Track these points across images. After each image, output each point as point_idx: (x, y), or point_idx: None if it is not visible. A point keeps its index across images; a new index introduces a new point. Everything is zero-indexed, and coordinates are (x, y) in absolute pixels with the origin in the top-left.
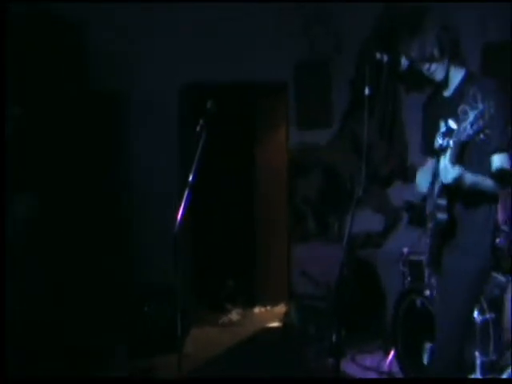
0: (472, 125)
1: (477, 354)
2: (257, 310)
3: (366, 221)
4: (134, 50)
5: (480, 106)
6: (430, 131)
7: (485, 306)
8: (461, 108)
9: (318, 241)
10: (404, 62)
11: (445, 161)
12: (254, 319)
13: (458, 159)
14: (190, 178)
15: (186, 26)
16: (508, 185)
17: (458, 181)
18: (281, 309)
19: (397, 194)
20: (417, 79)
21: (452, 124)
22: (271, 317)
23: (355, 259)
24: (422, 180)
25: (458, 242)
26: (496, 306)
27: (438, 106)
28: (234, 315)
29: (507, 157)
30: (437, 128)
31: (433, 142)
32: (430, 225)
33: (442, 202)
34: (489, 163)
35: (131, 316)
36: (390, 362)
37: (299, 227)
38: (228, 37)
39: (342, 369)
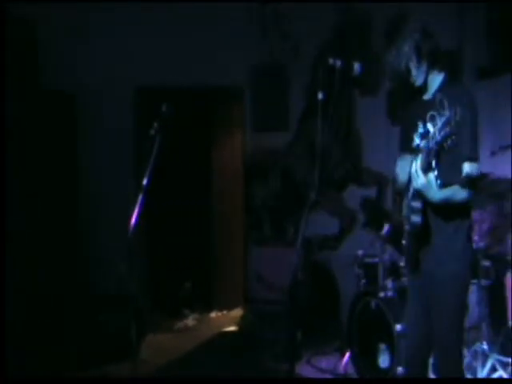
0: (440, 131)
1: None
2: (213, 314)
3: (322, 224)
4: (89, 51)
5: (447, 112)
6: (408, 131)
7: None
8: (429, 115)
9: (275, 244)
10: (357, 66)
11: (416, 166)
12: (210, 324)
13: (428, 166)
14: (145, 182)
15: (143, 27)
16: (475, 191)
17: (422, 190)
18: (237, 313)
19: (352, 197)
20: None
21: (430, 127)
22: (228, 321)
23: (311, 262)
24: (402, 171)
25: (433, 246)
26: None
27: (418, 108)
28: (190, 320)
29: (477, 165)
30: (415, 129)
31: (411, 142)
32: (406, 227)
33: (417, 204)
34: (459, 169)
35: (85, 323)
36: (346, 363)
37: (256, 231)
38: (184, 40)
39: (297, 372)
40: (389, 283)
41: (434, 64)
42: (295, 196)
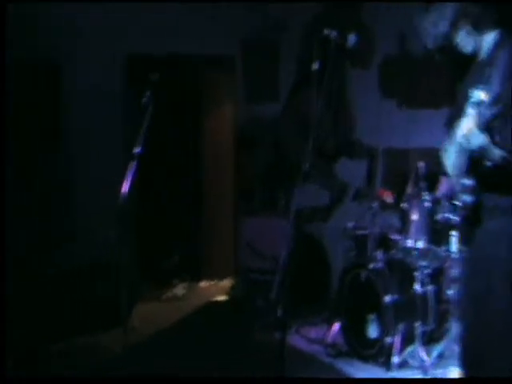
0: (492, 106)
1: (417, 324)
2: (203, 284)
3: (312, 196)
4: (76, 21)
5: (497, 88)
6: (461, 99)
7: (425, 278)
8: (484, 78)
9: (265, 215)
10: (351, 37)
11: (473, 126)
12: (199, 293)
13: (485, 128)
14: (137, 150)
15: None
16: None
17: (483, 149)
18: (227, 283)
19: (343, 169)
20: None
21: (482, 95)
22: (217, 291)
23: (302, 234)
24: (451, 160)
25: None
26: (435, 278)
27: (471, 73)
28: (180, 289)
29: None
30: (467, 96)
31: (463, 110)
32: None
33: (468, 182)
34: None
35: (74, 291)
36: (334, 333)
37: (246, 201)
38: (178, 10)
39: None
40: (378, 255)
41: (482, 25)
42: (286, 167)
